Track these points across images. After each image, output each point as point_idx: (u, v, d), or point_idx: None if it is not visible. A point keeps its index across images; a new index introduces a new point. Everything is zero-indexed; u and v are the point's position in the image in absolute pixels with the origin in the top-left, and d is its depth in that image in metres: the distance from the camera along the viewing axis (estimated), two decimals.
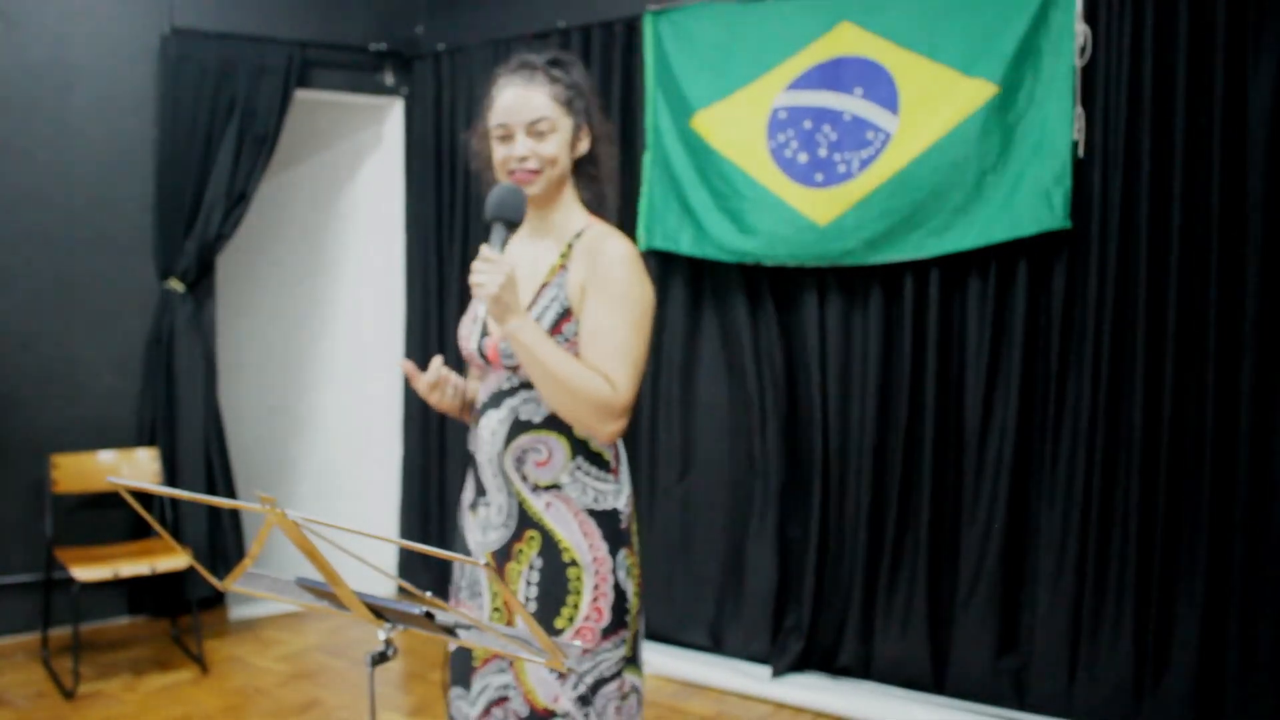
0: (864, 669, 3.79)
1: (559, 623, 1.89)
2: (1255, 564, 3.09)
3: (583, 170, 2.00)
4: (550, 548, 1.90)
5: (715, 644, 4.10)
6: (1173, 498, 3.22)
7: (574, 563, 1.90)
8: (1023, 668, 3.51)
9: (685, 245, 4.02)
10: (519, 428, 1.91)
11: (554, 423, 1.90)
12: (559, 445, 1.90)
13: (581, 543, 1.90)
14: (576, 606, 1.89)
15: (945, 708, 3.57)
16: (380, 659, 1.48)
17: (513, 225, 1.85)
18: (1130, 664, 3.28)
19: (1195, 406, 3.19)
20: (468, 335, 1.99)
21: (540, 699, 1.90)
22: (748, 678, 3.86)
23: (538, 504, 1.91)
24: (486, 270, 1.76)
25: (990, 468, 3.54)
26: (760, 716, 3.66)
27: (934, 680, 3.65)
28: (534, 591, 1.91)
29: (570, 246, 1.94)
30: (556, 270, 1.93)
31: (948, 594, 3.64)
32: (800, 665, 3.87)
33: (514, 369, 1.91)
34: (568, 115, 1.93)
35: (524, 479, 1.91)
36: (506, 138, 1.91)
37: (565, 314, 1.89)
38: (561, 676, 1.89)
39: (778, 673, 3.85)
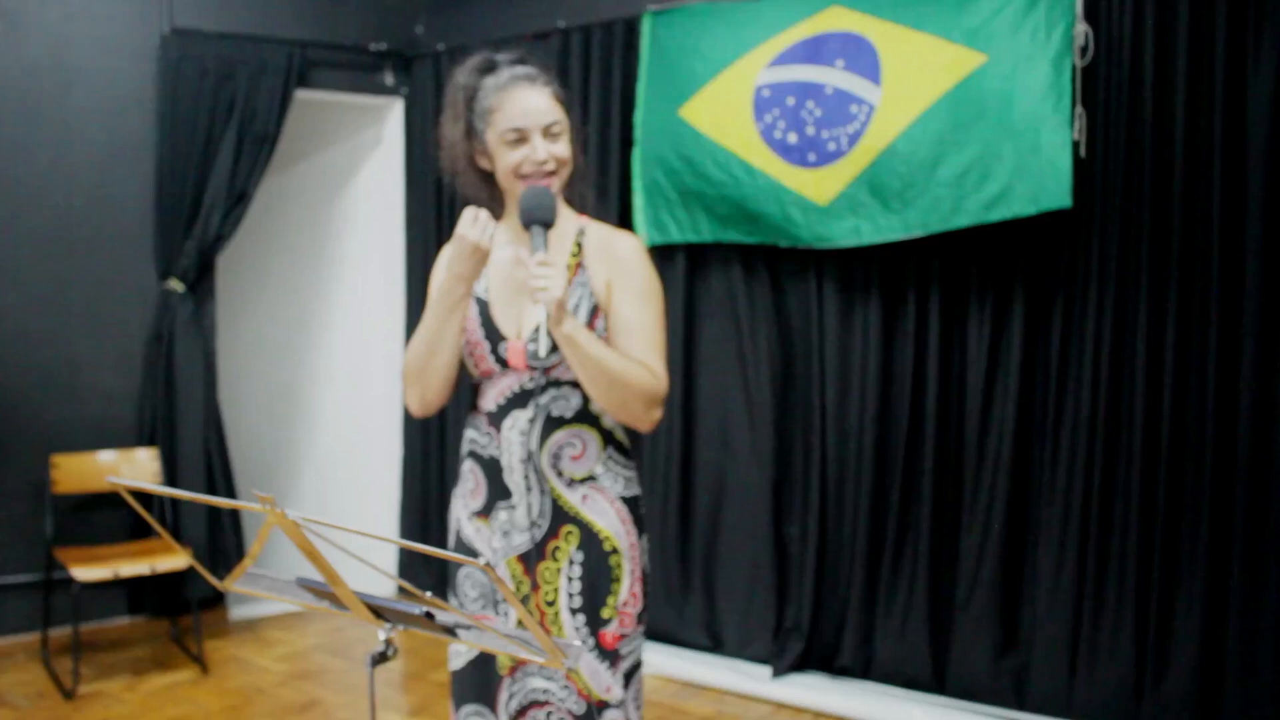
0: (864, 669, 3.79)
1: (605, 613, 1.93)
2: (1255, 564, 3.09)
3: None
4: (590, 539, 1.94)
5: (715, 644, 4.10)
6: (1173, 497, 3.22)
7: (615, 550, 1.95)
8: (1023, 668, 3.51)
9: (700, 234, 3.98)
10: (552, 424, 1.93)
11: (584, 416, 1.94)
12: (591, 438, 1.95)
13: (620, 529, 1.96)
14: (619, 594, 1.94)
15: (945, 708, 3.57)
16: (380, 659, 1.48)
17: (547, 226, 1.86)
18: (1130, 664, 3.28)
19: (1195, 406, 3.19)
20: (479, 340, 1.97)
21: (595, 691, 1.93)
22: (748, 678, 3.87)
23: (573, 498, 1.94)
24: (548, 275, 1.77)
25: (990, 467, 3.54)
26: (760, 716, 3.66)
27: (934, 680, 3.65)
28: (577, 586, 1.93)
29: (579, 245, 1.96)
30: (574, 269, 1.95)
31: (948, 594, 3.64)
32: (800, 665, 3.87)
33: (546, 370, 1.91)
34: (568, 116, 1.95)
35: (559, 474, 1.94)
36: (520, 141, 1.90)
37: (594, 311, 1.93)
38: (613, 666, 1.93)
39: (778, 673, 3.85)
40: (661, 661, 3.98)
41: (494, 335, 1.95)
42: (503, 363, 1.94)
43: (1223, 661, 3.15)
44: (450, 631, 1.46)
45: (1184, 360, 3.20)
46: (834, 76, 3.62)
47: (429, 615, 1.43)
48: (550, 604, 1.94)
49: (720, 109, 3.85)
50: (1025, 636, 3.51)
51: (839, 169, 3.62)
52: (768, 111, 3.75)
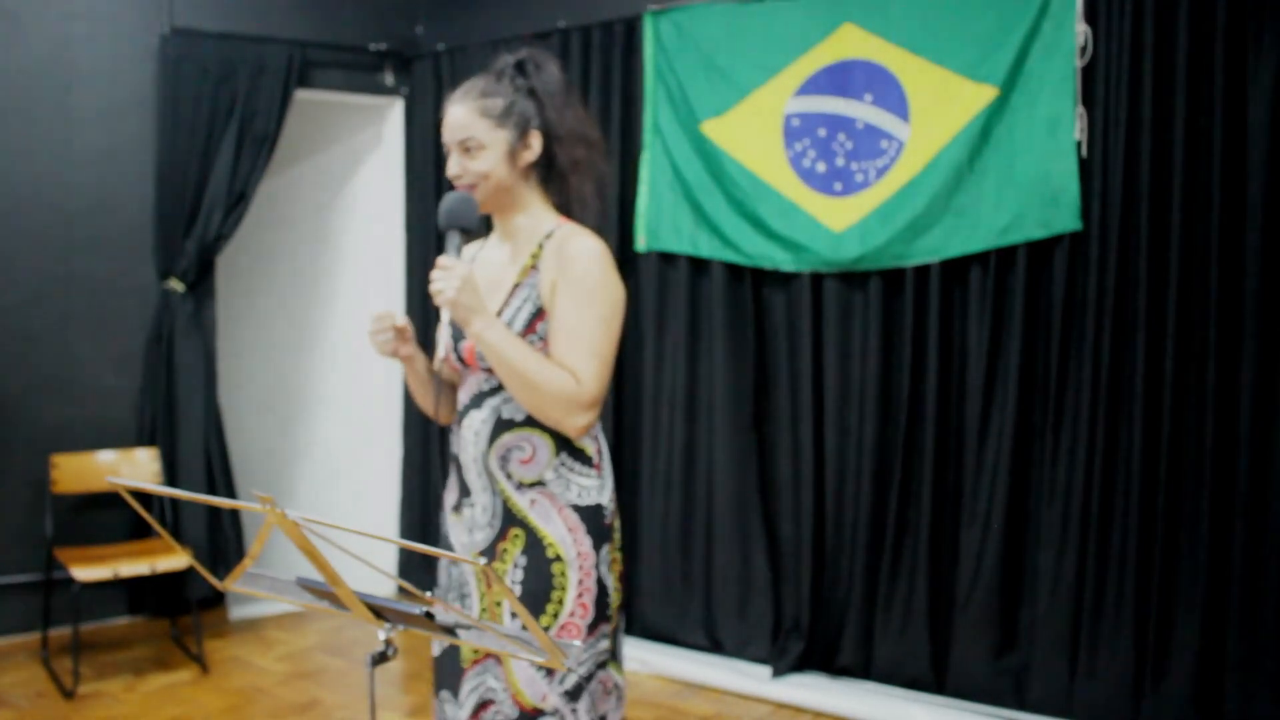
0: (864, 669, 3.79)
1: (544, 620, 1.91)
2: (1255, 564, 3.09)
3: (543, 173, 2.02)
4: (535, 544, 1.92)
5: (715, 644, 4.10)
6: (1173, 497, 3.22)
7: (558, 558, 1.92)
8: (1023, 668, 3.51)
9: (703, 249, 4.04)
10: (502, 426, 1.93)
11: (536, 420, 1.92)
12: (542, 442, 1.93)
13: (566, 538, 1.93)
14: (561, 603, 1.91)
15: (945, 708, 3.57)
16: (380, 659, 1.48)
17: (466, 232, 1.91)
18: (1130, 664, 3.28)
19: (1195, 406, 3.19)
20: (448, 339, 2.02)
21: (528, 698, 1.91)
22: (748, 678, 3.86)
23: (522, 501, 1.93)
24: (442, 277, 1.84)
25: (990, 467, 3.54)
26: (760, 716, 3.66)
27: (934, 680, 3.65)
28: (519, 590, 1.92)
29: (541, 247, 1.97)
30: (528, 271, 1.96)
31: (947, 594, 3.64)
32: (800, 665, 3.87)
33: (490, 370, 1.93)
34: (499, 128, 1.94)
35: (509, 477, 1.94)
36: (450, 154, 1.98)
37: (538, 313, 1.92)
38: (549, 674, 1.90)
39: (778, 673, 3.85)
40: (661, 661, 3.98)
41: (458, 334, 1.98)
42: (463, 361, 1.98)
43: (1223, 661, 3.15)
44: (450, 631, 1.46)
45: (1184, 359, 3.20)
46: (864, 111, 3.70)
47: (429, 615, 1.43)
48: (499, 603, 1.95)
49: (748, 133, 3.92)
50: (1025, 636, 3.51)
51: (860, 200, 3.71)
52: (798, 140, 3.83)
